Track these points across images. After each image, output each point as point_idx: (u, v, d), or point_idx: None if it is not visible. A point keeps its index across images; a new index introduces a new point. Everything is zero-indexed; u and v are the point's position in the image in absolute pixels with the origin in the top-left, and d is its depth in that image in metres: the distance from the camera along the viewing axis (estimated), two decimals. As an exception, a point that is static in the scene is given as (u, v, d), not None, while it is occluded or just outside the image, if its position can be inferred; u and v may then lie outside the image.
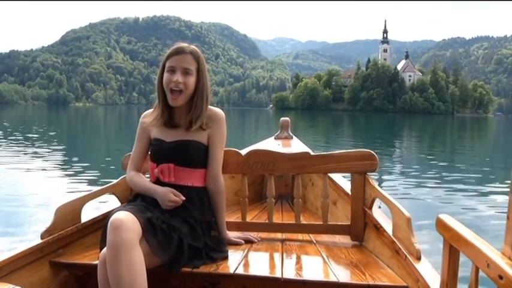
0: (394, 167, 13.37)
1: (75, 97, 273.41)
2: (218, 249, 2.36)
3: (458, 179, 10.60)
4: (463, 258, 1.56)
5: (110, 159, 13.79)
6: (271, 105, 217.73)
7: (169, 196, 2.29)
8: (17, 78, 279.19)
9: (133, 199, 2.45)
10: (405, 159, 16.31)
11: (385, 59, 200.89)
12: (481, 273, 1.41)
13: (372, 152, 2.63)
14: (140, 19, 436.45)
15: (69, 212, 2.43)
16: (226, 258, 2.33)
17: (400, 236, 2.19)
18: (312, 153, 2.81)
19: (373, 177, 2.65)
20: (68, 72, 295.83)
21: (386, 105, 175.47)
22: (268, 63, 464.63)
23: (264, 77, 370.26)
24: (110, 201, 2.94)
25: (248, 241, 2.63)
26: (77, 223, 2.47)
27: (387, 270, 2.22)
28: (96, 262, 2.06)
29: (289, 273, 2.16)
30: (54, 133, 24.97)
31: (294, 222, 2.79)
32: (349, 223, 2.69)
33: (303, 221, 2.93)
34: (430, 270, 1.90)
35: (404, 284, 2.02)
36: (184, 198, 2.31)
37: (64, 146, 17.51)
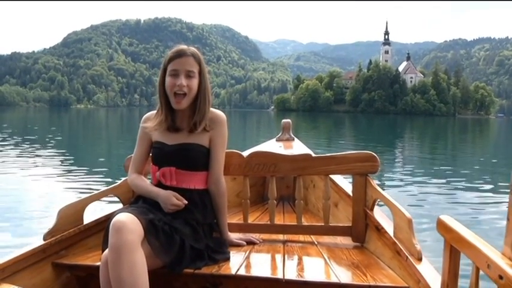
0: (396, 168, 13.36)
1: (77, 99, 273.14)
2: (220, 250, 2.36)
3: (459, 180, 10.60)
4: (463, 259, 1.57)
5: (111, 161, 13.79)
6: (272, 107, 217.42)
7: (172, 200, 2.30)
8: (19, 80, 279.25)
9: (135, 201, 2.46)
10: (406, 161, 16.30)
11: (386, 61, 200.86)
12: (481, 274, 1.42)
13: (373, 153, 2.64)
14: (142, 21, 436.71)
15: (72, 214, 2.44)
16: (228, 259, 2.34)
17: (401, 237, 2.20)
18: (313, 154, 2.82)
19: (374, 179, 2.65)
20: (70, 74, 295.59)
21: (387, 106, 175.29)
22: (270, 65, 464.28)
23: (266, 78, 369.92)
24: (112, 203, 2.95)
25: (250, 242, 2.64)
26: (79, 225, 2.48)
27: (388, 271, 2.22)
28: (98, 263, 2.06)
29: (291, 274, 2.16)
30: (56, 135, 24.96)
31: (296, 223, 2.80)
32: (351, 224, 2.70)
33: (305, 222, 2.93)
34: (431, 271, 1.90)
35: (406, 285, 2.03)
36: (186, 202, 2.32)
37: (66, 148, 17.53)
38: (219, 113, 2.52)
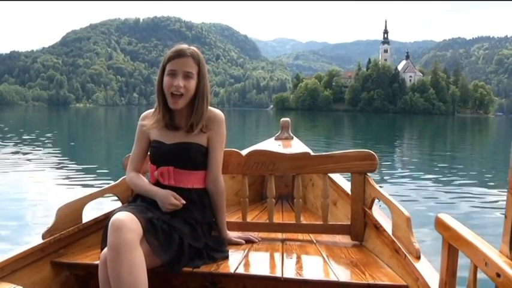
0: (394, 167, 13.38)
1: (76, 98, 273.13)
2: (219, 249, 2.36)
3: (458, 179, 10.62)
4: (461, 257, 1.57)
5: (110, 159, 13.81)
6: (271, 106, 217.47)
7: (170, 199, 2.30)
8: (18, 79, 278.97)
9: (133, 200, 2.46)
10: (405, 160, 16.31)
11: (385, 60, 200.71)
12: (479, 272, 1.42)
13: (372, 152, 2.64)
14: (141, 20, 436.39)
15: (71, 212, 2.44)
16: (226, 258, 2.34)
17: (400, 236, 2.20)
18: (312, 153, 2.82)
19: (373, 177, 2.66)
20: (69, 73, 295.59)
21: (386, 105, 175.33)
22: (269, 63, 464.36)
23: (265, 77, 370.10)
24: (111, 202, 2.95)
25: (248, 241, 2.64)
26: (78, 223, 2.48)
27: (387, 269, 2.23)
28: (97, 262, 2.07)
29: (290, 272, 2.17)
30: (55, 134, 24.97)
31: (294, 222, 2.80)
32: (349, 223, 2.70)
33: (303, 221, 2.94)
34: (429, 269, 1.91)
35: (404, 283, 2.03)
36: (184, 202, 2.32)
37: (65, 147, 17.53)
38: (217, 112, 2.51)
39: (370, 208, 2.61)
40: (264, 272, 2.19)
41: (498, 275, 1.26)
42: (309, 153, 2.79)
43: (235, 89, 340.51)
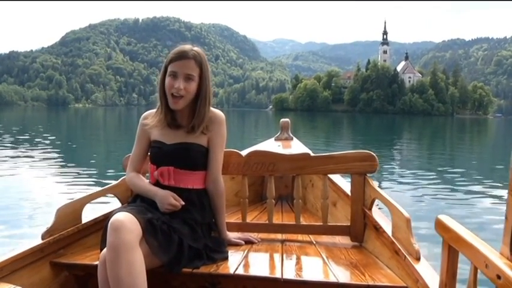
0: (394, 168, 13.38)
1: (75, 98, 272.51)
2: (218, 249, 2.36)
3: (458, 180, 10.63)
4: (461, 259, 1.57)
5: (110, 160, 13.81)
6: (270, 107, 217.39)
7: (169, 199, 2.29)
8: (17, 79, 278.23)
9: (133, 200, 2.45)
10: (405, 161, 16.32)
11: (384, 60, 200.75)
12: (479, 274, 1.42)
13: (372, 153, 2.64)
14: (140, 20, 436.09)
15: (70, 213, 2.44)
16: (226, 258, 2.34)
17: (400, 237, 2.20)
18: (312, 154, 2.82)
19: (372, 178, 2.66)
20: (68, 73, 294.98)
21: (386, 106, 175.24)
22: (268, 64, 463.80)
23: (264, 78, 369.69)
24: (111, 202, 2.95)
25: (248, 242, 2.63)
26: (78, 224, 2.48)
27: (387, 270, 2.22)
28: (96, 263, 2.06)
29: (289, 273, 2.16)
30: (54, 134, 24.95)
31: (294, 223, 2.80)
32: (349, 224, 2.70)
33: (303, 221, 2.94)
34: (429, 271, 1.91)
35: (404, 285, 2.03)
36: (183, 203, 2.32)
37: (64, 147, 17.52)
38: (218, 112, 2.51)
39: (370, 209, 2.61)
40: (263, 272, 2.19)
41: (498, 277, 1.26)
42: (308, 154, 2.79)
43: (235, 89, 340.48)
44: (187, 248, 2.17)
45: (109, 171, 10.81)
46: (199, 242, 2.26)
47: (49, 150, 15.32)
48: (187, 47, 2.38)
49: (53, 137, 21.80)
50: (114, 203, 2.83)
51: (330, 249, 2.60)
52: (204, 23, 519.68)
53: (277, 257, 2.42)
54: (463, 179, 10.98)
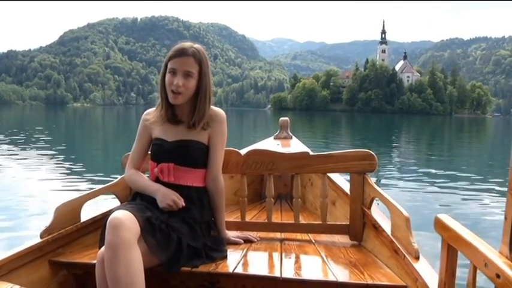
0: (393, 167, 13.39)
1: (73, 97, 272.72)
2: (217, 248, 2.36)
3: (457, 179, 10.63)
4: (461, 258, 1.57)
5: (108, 159, 13.81)
6: (269, 106, 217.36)
7: (173, 196, 2.29)
8: (15, 78, 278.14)
9: (132, 198, 2.45)
10: (404, 160, 16.33)
11: (383, 60, 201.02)
12: (478, 273, 1.42)
13: (371, 152, 2.64)
14: (138, 19, 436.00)
15: (69, 212, 2.43)
16: (225, 257, 2.34)
17: (399, 236, 2.20)
18: (311, 153, 2.82)
19: (371, 177, 2.66)
20: (66, 73, 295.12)
21: (384, 105, 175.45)
22: (267, 63, 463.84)
23: (262, 77, 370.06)
24: (110, 201, 2.94)
25: (247, 241, 2.63)
26: (77, 222, 2.47)
27: (386, 269, 2.22)
28: (95, 261, 2.05)
29: (288, 272, 2.16)
30: (53, 133, 24.94)
31: (293, 222, 2.79)
32: (348, 223, 2.70)
33: (302, 220, 2.93)
34: (428, 270, 1.91)
35: (403, 284, 2.03)
36: (184, 204, 2.31)
37: (62, 146, 17.49)
38: (219, 111, 2.52)
39: (369, 208, 2.61)
40: (262, 271, 2.19)
41: (498, 276, 1.26)
42: (308, 153, 2.79)
43: (233, 88, 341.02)
44: (186, 247, 2.17)
45: (108, 170, 10.79)
46: (198, 241, 2.26)
47: (47, 149, 15.29)
48: (187, 44, 2.40)
49: (51, 137, 21.79)
50: (113, 201, 2.83)
51: (329, 248, 2.60)
52: (203, 22, 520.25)
53: (276, 256, 2.42)
54: (462, 178, 10.98)
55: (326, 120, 66.21)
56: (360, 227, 2.66)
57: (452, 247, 1.58)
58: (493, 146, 26.91)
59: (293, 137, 4.57)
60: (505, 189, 1.32)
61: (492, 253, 1.33)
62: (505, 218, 1.30)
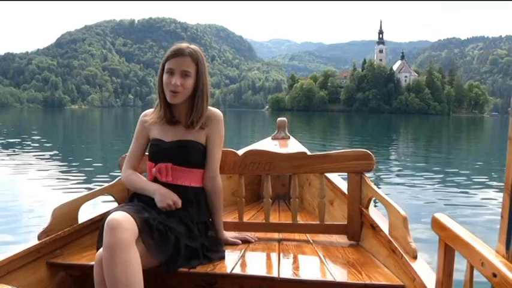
0: (391, 166, 13.39)
1: (71, 99, 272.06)
2: (215, 249, 2.36)
3: (454, 179, 10.64)
4: (458, 257, 1.57)
5: (106, 160, 13.78)
6: (267, 107, 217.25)
7: (171, 197, 2.30)
8: (12, 80, 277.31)
9: (129, 200, 2.45)
10: (401, 159, 16.34)
11: (380, 60, 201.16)
12: (475, 272, 1.42)
13: (369, 151, 2.64)
14: (136, 21, 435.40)
15: (66, 213, 2.43)
16: (223, 258, 2.34)
17: (397, 235, 2.20)
18: (308, 153, 2.82)
19: (369, 177, 2.66)
20: (64, 75, 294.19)
21: (382, 105, 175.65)
22: (264, 64, 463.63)
23: (260, 78, 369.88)
24: (107, 202, 2.94)
25: (245, 241, 2.63)
26: (74, 224, 2.47)
27: (384, 269, 2.22)
28: (93, 263, 2.05)
29: (286, 272, 2.16)
30: (50, 135, 24.92)
31: (291, 222, 2.79)
32: (346, 223, 2.70)
33: (300, 220, 2.94)
34: (426, 269, 1.91)
35: (401, 283, 2.03)
36: (180, 206, 2.32)
37: (60, 148, 17.48)
38: (216, 111, 2.53)
39: (367, 208, 2.60)
40: (260, 272, 2.18)
41: (494, 275, 1.26)
42: (305, 153, 2.79)
43: (231, 89, 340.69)
44: (184, 248, 2.17)
45: (105, 171, 10.78)
46: (196, 241, 2.26)
47: (45, 151, 15.28)
48: (183, 44, 2.42)
49: (49, 138, 21.76)
50: (111, 203, 2.82)
51: (327, 248, 2.60)
52: (200, 23, 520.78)
53: (274, 256, 2.42)
54: (459, 177, 11.00)
55: (324, 121, 66.24)
56: (357, 227, 2.66)
57: (449, 246, 1.58)
58: (491, 145, 26.94)
59: (291, 137, 4.57)
60: (502, 188, 1.31)
61: (489, 252, 1.33)
62: (502, 217, 1.30)
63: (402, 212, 2.17)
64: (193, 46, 2.43)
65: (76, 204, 2.49)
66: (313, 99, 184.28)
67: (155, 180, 2.42)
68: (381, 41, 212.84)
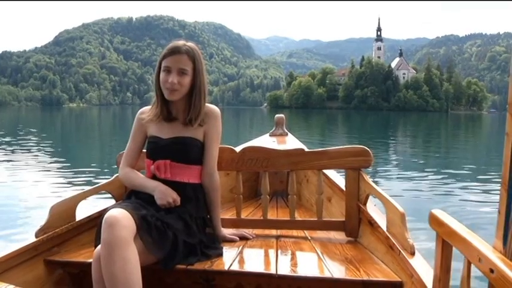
0: (389, 163, 13.42)
1: (69, 98, 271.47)
2: (213, 246, 2.37)
3: (452, 175, 10.66)
4: (455, 253, 1.57)
5: (104, 158, 13.79)
6: (265, 104, 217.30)
7: (171, 194, 2.30)
8: (10, 79, 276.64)
9: (127, 197, 2.45)
10: (399, 156, 16.37)
11: (379, 57, 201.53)
12: (473, 267, 1.42)
13: (366, 148, 2.64)
14: (134, 19, 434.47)
15: (64, 210, 2.43)
16: (221, 255, 2.34)
17: (394, 232, 2.20)
18: (306, 149, 2.82)
19: (367, 174, 2.66)
20: (62, 73, 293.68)
21: (380, 103, 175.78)
22: (262, 62, 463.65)
23: (258, 76, 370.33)
24: (105, 200, 2.94)
25: (243, 238, 2.64)
26: (72, 221, 2.47)
27: (381, 265, 2.22)
28: (91, 260, 2.05)
29: (284, 269, 2.16)
30: (48, 133, 24.90)
31: (289, 218, 2.80)
32: (344, 219, 2.70)
33: (298, 217, 2.94)
34: (423, 265, 1.91)
35: (399, 279, 2.03)
36: (179, 203, 2.32)
37: (58, 146, 17.50)
38: (213, 107, 2.53)
39: (365, 204, 2.61)
40: (258, 268, 2.19)
41: (491, 271, 1.26)
42: (303, 149, 2.79)
43: (229, 87, 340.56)
44: (182, 244, 2.18)
45: (103, 169, 10.79)
46: (194, 238, 2.26)
47: (43, 149, 15.27)
48: (180, 42, 2.41)
49: (47, 137, 21.75)
50: (108, 200, 2.82)
51: (324, 244, 2.60)
52: (198, 21, 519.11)
53: (271, 252, 2.42)
54: (457, 174, 11.02)
55: (322, 118, 66.31)
56: (355, 224, 2.66)
57: (447, 242, 1.58)
58: (489, 142, 26.96)
59: (289, 133, 4.57)
60: (499, 184, 1.31)
61: (486, 248, 1.33)
62: (499, 213, 1.30)
63: (400, 209, 2.17)
64: (190, 44, 2.43)
65: (74, 202, 2.49)
66: (312, 96, 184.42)
67: (154, 177, 2.42)
68: (379, 38, 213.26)
